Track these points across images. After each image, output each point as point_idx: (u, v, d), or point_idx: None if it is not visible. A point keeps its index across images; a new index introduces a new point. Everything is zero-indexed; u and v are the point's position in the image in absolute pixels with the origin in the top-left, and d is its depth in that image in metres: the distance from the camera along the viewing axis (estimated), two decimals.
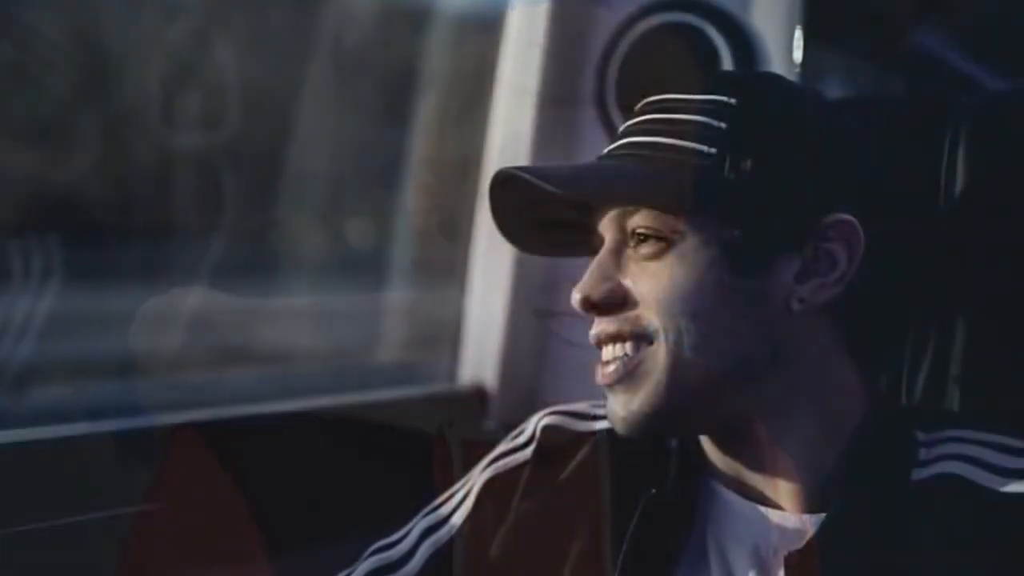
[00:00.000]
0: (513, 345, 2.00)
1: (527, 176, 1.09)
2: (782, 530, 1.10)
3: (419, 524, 1.25)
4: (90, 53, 2.00)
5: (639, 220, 1.09)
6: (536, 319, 2.01)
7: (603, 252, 1.12)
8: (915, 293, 1.20)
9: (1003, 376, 1.22)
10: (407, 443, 1.86)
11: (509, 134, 1.98)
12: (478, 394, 1.99)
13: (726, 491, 1.13)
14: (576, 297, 1.11)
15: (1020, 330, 1.24)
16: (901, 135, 1.30)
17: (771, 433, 1.10)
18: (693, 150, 1.09)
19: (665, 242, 1.08)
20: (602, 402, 1.15)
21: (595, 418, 1.22)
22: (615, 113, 1.92)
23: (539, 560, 1.16)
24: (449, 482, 1.28)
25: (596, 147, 1.35)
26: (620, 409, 1.10)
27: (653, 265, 1.09)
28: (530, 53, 1.96)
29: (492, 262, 2.00)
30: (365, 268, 2.40)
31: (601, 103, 1.94)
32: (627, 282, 1.10)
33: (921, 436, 1.11)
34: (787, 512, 1.10)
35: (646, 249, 1.09)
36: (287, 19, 2.33)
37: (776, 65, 1.83)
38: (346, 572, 1.26)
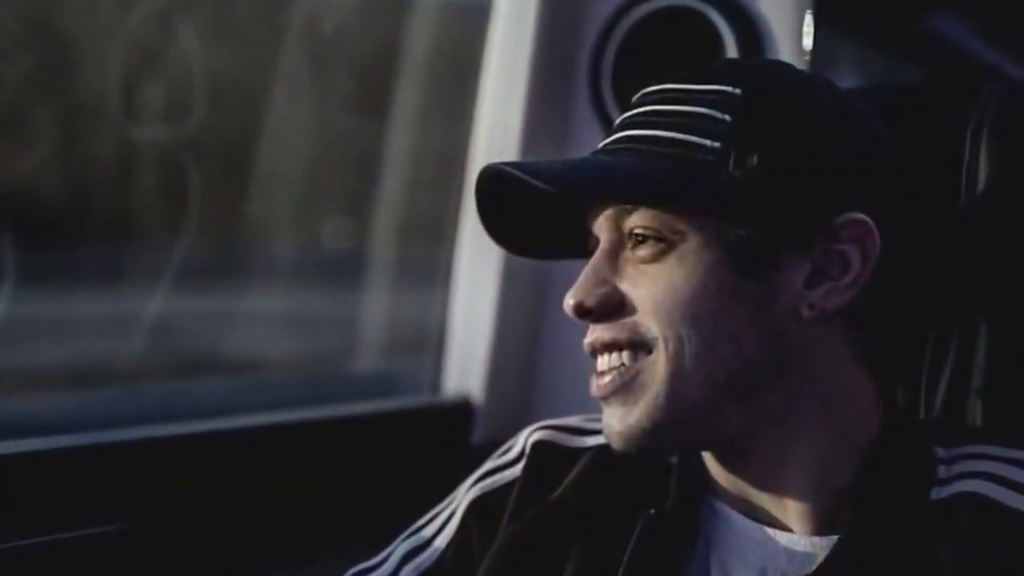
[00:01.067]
0: (501, 354, 1.99)
1: (516, 172, 1.08)
2: (790, 553, 1.10)
3: (400, 547, 1.25)
4: (47, 40, 1.99)
5: (637, 220, 1.09)
6: (526, 326, 2.01)
7: (598, 254, 1.11)
8: (934, 298, 1.20)
9: None
10: (387, 459, 1.85)
11: (497, 127, 1.98)
12: (463, 406, 1.99)
13: (730, 511, 1.13)
14: (569, 303, 1.10)
15: None
16: (918, 128, 1.29)
17: (778, 448, 1.10)
18: (695, 144, 1.08)
19: (664, 243, 1.08)
20: (597, 415, 1.15)
21: (590, 433, 1.22)
22: (611, 105, 1.92)
23: None
24: (432, 502, 1.28)
25: (591, 141, 1.35)
26: (617, 423, 1.09)
27: (652, 268, 1.08)
28: (520, 40, 1.96)
29: (479, 264, 2.00)
30: (341, 270, 2.39)
31: (596, 94, 1.94)
32: (624, 286, 1.10)
33: (940, 452, 1.11)
34: (796, 534, 1.10)
35: (644, 251, 1.09)
36: (257, 2, 2.32)
37: (784, 53, 1.83)
38: None
